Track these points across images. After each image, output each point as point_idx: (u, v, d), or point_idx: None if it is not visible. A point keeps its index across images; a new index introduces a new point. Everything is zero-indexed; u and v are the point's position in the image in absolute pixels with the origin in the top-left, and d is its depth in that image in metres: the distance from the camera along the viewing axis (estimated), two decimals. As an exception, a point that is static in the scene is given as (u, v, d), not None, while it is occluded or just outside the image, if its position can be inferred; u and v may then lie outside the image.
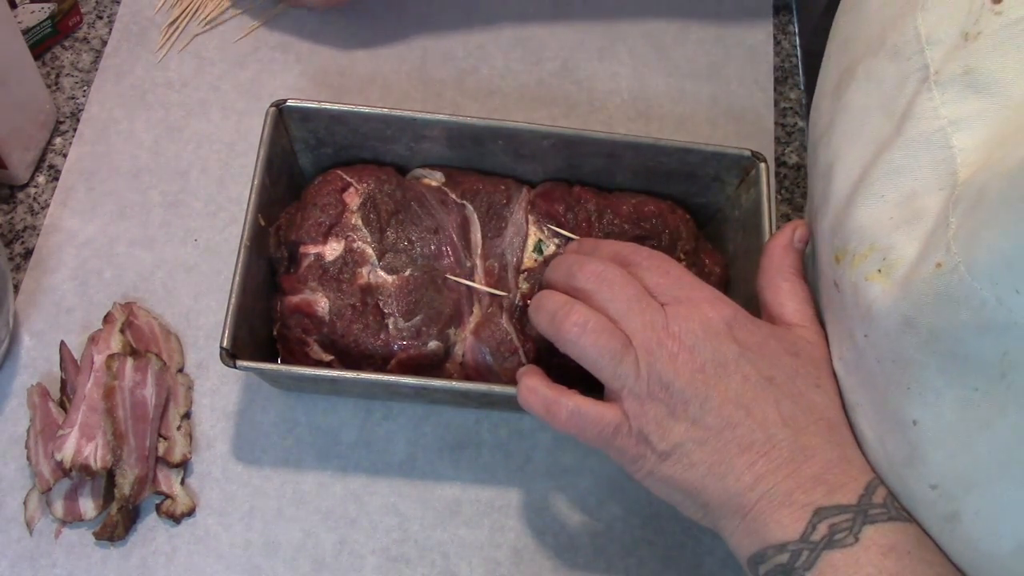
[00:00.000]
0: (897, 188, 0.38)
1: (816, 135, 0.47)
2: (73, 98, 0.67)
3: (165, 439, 0.55)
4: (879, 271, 0.38)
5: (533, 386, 0.45)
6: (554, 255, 0.55)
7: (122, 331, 0.56)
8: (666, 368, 0.42)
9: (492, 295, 0.54)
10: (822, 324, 0.46)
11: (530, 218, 0.57)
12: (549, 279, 0.49)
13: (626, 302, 0.44)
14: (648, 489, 0.45)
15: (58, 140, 0.65)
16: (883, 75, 0.41)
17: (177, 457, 0.54)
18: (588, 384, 0.45)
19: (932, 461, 0.37)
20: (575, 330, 0.44)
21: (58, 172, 0.64)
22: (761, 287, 0.48)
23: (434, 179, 0.58)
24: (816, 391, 0.43)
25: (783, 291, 0.47)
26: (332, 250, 0.54)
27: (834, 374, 0.44)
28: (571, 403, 0.44)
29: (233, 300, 0.49)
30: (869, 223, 0.39)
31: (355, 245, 0.54)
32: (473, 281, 0.55)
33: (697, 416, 0.42)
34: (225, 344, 0.48)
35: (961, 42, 0.37)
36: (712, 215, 0.61)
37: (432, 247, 0.55)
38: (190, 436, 0.56)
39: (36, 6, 0.65)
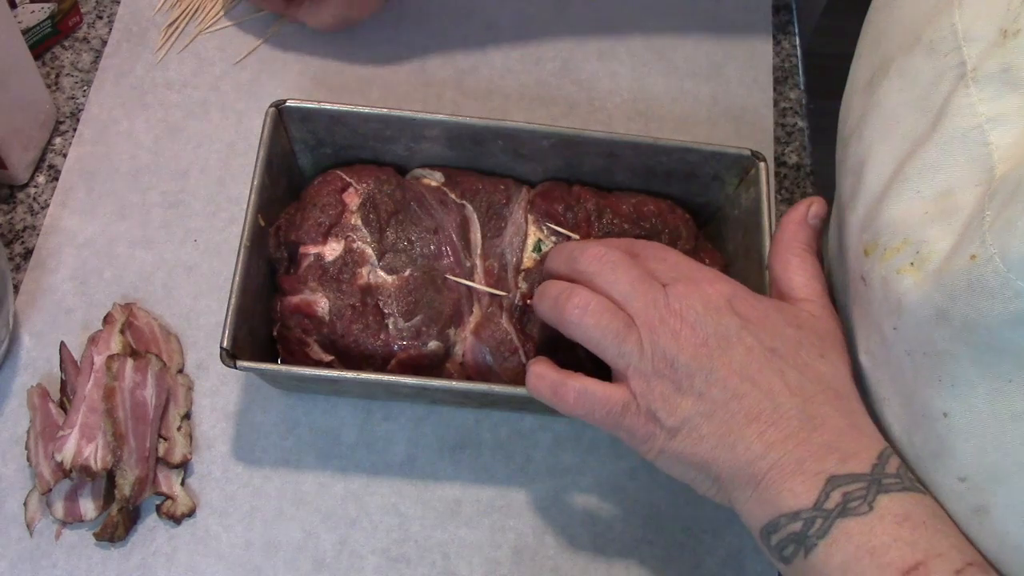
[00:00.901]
0: (932, 184, 0.38)
1: (846, 131, 0.47)
2: (73, 98, 0.67)
3: (165, 440, 0.55)
4: (911, 264, 0.38)
5: (540, 372, 0.46)
6: (553, 255, 0.55)
7: (122, 332, 0.56)
8: (670, 344, 0.43)
9: (492, 295, 0.54)
10: (843, 315, 0.46)
11: (530, 218, 0.57)
12: (549, 268, 0.49)
13: (629, 283, 0.44)
14: (660, 469, 0.45)
15: (58, 140, 0.65)
16: (918, 72, 0.41)
17: (177, 458, 0.54)
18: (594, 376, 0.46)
19: (962, 453, 0.38)
20: (576, 312, 0.44)
21: (58, 172, 0.64)
22: (771, 261, 0.48)
23: (434, 179, 0.58)
24: (821, 361, 0.43)
25: (792, 266, 0.47)
26: (332, 250, 0.54)
27: (842, 346, 0.44)
28: (578, 384, 0.44)
29: (233, 300, 0.49)
30: (903, 217, 0.39)
31: (355, 245, 0.54)
32: (473, 281, 0.55)
33: (703, 389, 0.42)
34: (225, 344, 0.48)
35: (1000, 39, 0.37)
36: (712, 215, 0.61)
37: (432, 247, 0.55)
38: (190, 437, 0.56)
39: (36, 6, 0.65)
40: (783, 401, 0.41)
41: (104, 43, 0.69)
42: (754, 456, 0.41)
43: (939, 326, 0.36)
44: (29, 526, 0.53)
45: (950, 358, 0.36)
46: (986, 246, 0.34)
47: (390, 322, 0.53)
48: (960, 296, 0.35)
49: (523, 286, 0.55)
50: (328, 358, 0.53)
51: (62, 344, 0.57)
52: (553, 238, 0.56)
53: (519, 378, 0.53)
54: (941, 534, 0.38)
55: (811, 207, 0.48)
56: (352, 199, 0.55)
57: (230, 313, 0.49)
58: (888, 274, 0.39)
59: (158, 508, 0.54)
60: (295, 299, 0.53)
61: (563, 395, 0.45)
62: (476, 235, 0.56)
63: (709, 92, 0.71)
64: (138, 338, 0.57)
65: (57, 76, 0.67)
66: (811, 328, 0.45)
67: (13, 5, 0.63)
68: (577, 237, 0.55)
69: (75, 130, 0.65)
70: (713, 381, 0.42)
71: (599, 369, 0.46)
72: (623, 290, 0.44)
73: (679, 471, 0.45)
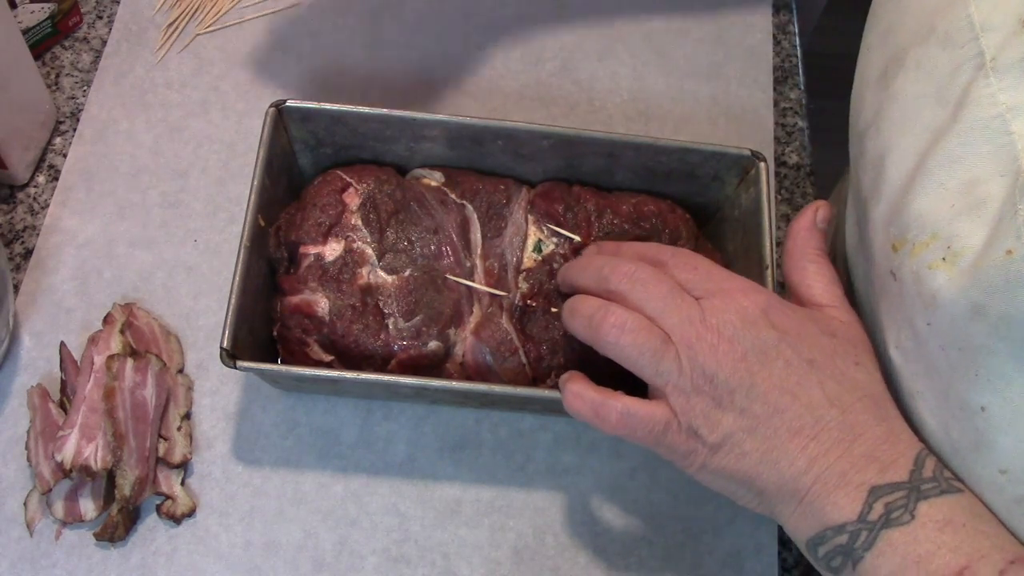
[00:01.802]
0: (956, 176, 0.38)
1: (861, 126, 0.47)
2: (73, 98, 0.67)
3: (165, 440, 0.55)
4: (943, 259, 0.38)
5: (578, 391, 0.45)
6: (552, 255, 0.55)
7: (122, 332, 0.56)
8: (708, 361, 0.42)
9: (492, 295, 0.54)
10: (869, 309, 0.46)
11: (530, 218, 0.57)
12: (576, 283, 0.49)
13: (661, 300, 0.44)
14: (701, 483, 0.45)
15: (58, 140, 0.65)
16: (935, 63, 0.41)
17: (177, 458, 0.54)
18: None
19: (1001, 446, 0.38)
20: (614, 331, 0.44)
21: (58, 172, 0.64)
22: (787, 270, 0.49)
23: (434, 179, 0.58)
24: (857, 369, 0.43)
25: (810, 273, 0.47)
26: (332, 250, 0.54)
27: (872, 350, 0.45)
28: (620, 404, 0.44)
29: (233, 301, 0.49)
30: (929, 211, 0.39)
31: (355, 245, 0.54)
32: (473, 281, 0.55)
33: (744, 405, 0.42)
34: (225, 345, 0.48)
35: (1019, 28, 0.37)
36: (712, 215, 0.61)
37: (432, 247, 0.55)
38: (190, 437, 0.56)
39: (36, 6, 0.65)
40: (823, 413, 0.42)
41: (104, 43, 0.69)
42: (798, 471, 0.41)
43: (975, 321, 0.36)
44: (29, 526, 0.53)
45: (987, 353, 0.37)
46: (1022, 241, 0.34)
47: (390, 322, 0.53)
48: (997, 291, 0.35)
49: (523, 286, 0.55)
50: (328, 358, 0.53)
51: (62, 344, 0.57)
52: (553, 238, 0.56)
53: (519, 378, 0.53)
54: (982, 535, 0.38)
55: (818, 212, 0.48)
56: (352, 199, 0.55)
57: (230, 313, 0.49)
58: (919, 269, 0.39)
59: (158, 508, 0.54)
60: (295, 299, 0.53)
61: (604, 416, 0.44)
62: (476, 235, 0.56)
63: (709, 92, 0.71)
64: (138, 338, 0.57)
65: (57, 76, 0.67)
66: (844, 336, 0.45)
67: (13, 5, 0.63)
68: (577, 238, 0.55)
69: (75, 130, 0.65)
70: (754, 397, 0.42)
71: (612, 366, 0.46)
72: (657, 307, 0.44)
73: (720, 485, 0.45)
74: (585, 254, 0.51)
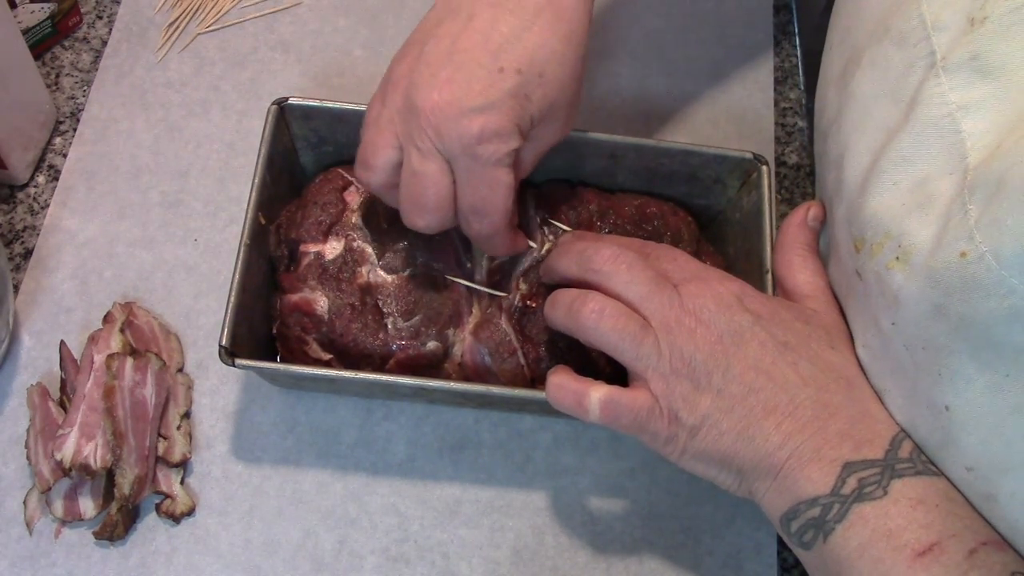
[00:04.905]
0: (908, 174, 0.39)
1: (824, 125, 0.48)
2: (73, 98, 0.67)
3: (165, 439, 0.55)
4: (896, 258, 0.39)
5: (560, 382, 0.46)
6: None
7: (122, 331, 0.56)
8: (686, 344, 0.43)
9: (491, 295, 0.54)
10: (842, 309, 0.47)
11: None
12: (558, 270, 0.49)
13: (646, 284, 0.45)
14: (684, 469, 0.46)
15: (58, 140, 0.65)
16: (889, 62, 0.41)
17: (177, 457, 0.54)
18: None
19: (965, 445, 0.38)
20: (593, 316, 0.44)
21: (58, 172, 0.64)
22: (775, 262, 0.50)
23: (434, 179, 0.58)
24: (831, 352, 0.44)
25: (795, 265, 0.48)
26: (332, 249, 0.54)
27: (848, 337, 0.45)
28: (603, 392, 0.44)
29: (233, 298, 0.49)
30: (882, 211, 0.40)
31: (355, 244, 0.54)
32: (473, 281, 0.55)
33: (721, 386, 0.43)
34: (224, 342, 0.48)
35: (968, 27, 0.37)
36: (713, 217, 0.61)
37: (432, 247, 0.55)
38: (190, 436, 0.56)
39: (36, 6, 0.65)
40: (798, 392, 0.42)
41: (104, 43, 0.69)
42: (773, 447, 0.42)
43: (936, 321, 0.37)
44: (29, 525, 0.53)
45: (948, 352, 0.37)
46: (976, 243, 0.34)
47: (389, 322, 0.53)
48: (955, 292, 0.35)
49: (523, 287, 0.55)
50: (327, 357, 0.53)
51: (62, 343, 0.57)
52: (552, 238, 0.56)
53: (518, 379, 0.53)
54: (955, 516, 0.39)
55: (810, 211, 0.49)
56: (353, 198, 0.55)
57: (229, 310, 0.49)
58: (879, 269, 0.40)
59: (157, 507, 0.54)
60: (295, 297, 0.53)
61: (587, 405, 0.45)
62: (476, 235, 0.56)
63: (709, 92, 0.71)
64: (138, 337, 0.57)
65: (57, 76, 0.68)
66: (818, 322, 0.45)
67: (13, 5, 0.63)
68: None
69: (75, 130, 0.65)
70: (730, 377, 0.43)
71: (612, 366, 0.46)
72: (640, 291, 0.45)
73: (701, 469, 0.45)
74: (564, 240, 0.51)
